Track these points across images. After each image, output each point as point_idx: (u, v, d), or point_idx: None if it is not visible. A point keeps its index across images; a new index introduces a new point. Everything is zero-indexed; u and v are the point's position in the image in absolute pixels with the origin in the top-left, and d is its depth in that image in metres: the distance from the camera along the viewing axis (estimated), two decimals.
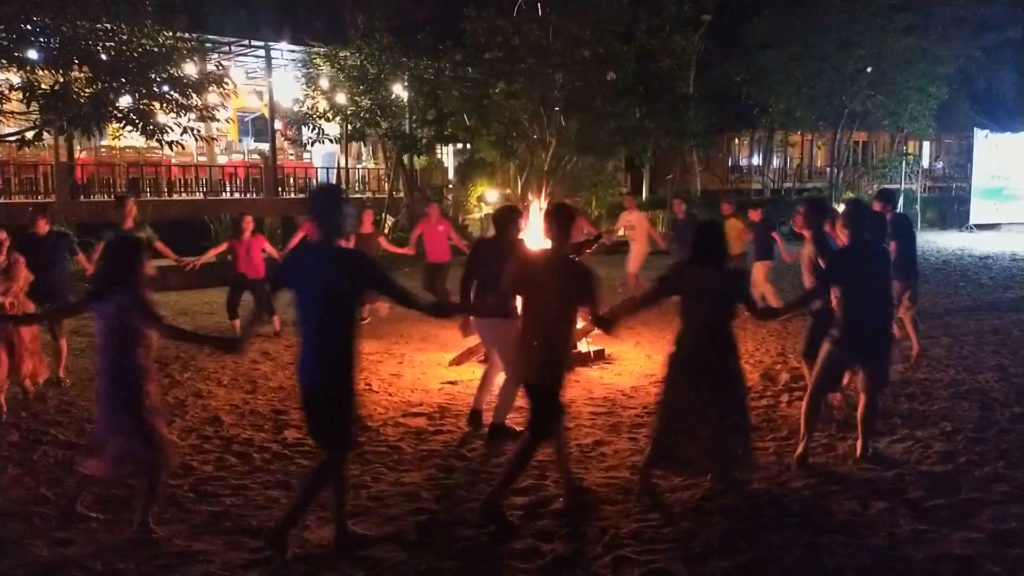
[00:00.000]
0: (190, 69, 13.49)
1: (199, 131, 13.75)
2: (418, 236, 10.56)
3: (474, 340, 8.27)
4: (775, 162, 32.60)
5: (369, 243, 10.04)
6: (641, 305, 4.88)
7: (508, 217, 5.81)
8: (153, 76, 12.58)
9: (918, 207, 25.30)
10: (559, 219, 4.35)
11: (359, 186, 21.80)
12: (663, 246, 12.14)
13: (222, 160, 20.59)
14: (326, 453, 3.92)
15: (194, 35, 14.31)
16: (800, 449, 5.09)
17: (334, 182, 21.14)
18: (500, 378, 5.83)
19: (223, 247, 9.81)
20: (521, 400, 5.54)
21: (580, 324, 7.74)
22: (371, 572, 3.77)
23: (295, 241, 9.99)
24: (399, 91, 18.30)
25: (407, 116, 18.95)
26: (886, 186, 21.09)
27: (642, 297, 5.01)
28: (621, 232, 12.72)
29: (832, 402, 5.88)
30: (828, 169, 29.49)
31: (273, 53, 18.99)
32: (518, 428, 5.46)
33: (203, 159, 19.78)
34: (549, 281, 4.23)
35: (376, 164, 23.24)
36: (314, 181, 20.94)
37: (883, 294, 5.05)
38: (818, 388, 5.10)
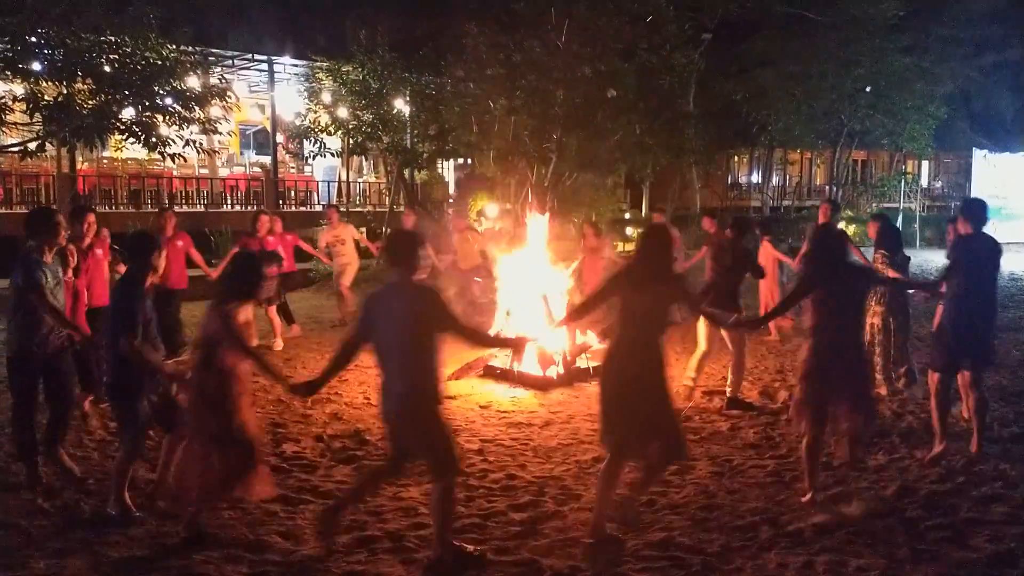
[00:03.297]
0: (193, 82, 13.52)
1: (201, 144, 13.80)
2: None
3: (472, 356, 8.25)
4: (774, 180, 32.74)
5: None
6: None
7: (746, 226, 6.45)
8: (156, 89, 12.63)
9: (917, 226, 25.37)
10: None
11: (360, 200, 21.87)
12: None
13: (223, 172, 20.66)
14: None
15: (197, 49, 14.39)
16: None
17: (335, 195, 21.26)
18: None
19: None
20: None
21: (580, 340, 7.84)
22: None
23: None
24: (401, 106, 18.37)
25: (408, 131, 19.02)
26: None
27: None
28: None
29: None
30: (827, 187, 29.57)
31: (276, 67, 19.12)
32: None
33: (204, 171, 19.84)
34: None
35: (377, 178, 23.31)
36: (315, 195, 21.03)
37: None
38: None
